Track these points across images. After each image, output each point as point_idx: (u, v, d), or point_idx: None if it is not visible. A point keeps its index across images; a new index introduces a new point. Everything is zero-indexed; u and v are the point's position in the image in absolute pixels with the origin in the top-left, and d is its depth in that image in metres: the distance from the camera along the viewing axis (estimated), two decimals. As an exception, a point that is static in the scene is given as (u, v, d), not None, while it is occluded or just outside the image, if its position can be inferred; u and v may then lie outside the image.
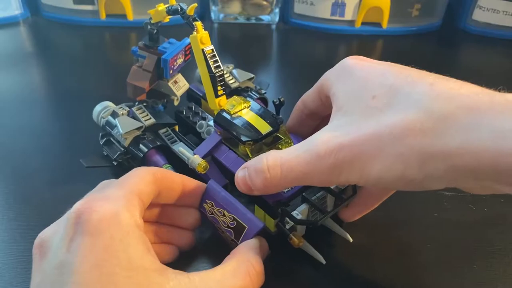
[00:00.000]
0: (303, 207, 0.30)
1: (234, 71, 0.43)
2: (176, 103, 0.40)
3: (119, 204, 0.24)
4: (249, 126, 0.32)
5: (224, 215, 0.30)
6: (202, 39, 0.32)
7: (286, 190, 0.29)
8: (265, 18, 0.72)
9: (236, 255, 0.27)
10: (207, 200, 0.31)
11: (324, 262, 0.31)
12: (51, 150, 0.43)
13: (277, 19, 0.72)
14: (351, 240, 0.33)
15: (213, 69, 0.33)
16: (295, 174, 0.26)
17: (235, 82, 0.42)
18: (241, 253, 0.27)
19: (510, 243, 0.33)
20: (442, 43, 0.69)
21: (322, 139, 0.25)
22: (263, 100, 0.42)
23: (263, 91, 0.42)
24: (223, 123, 0.32)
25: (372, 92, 0.25)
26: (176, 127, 0.40)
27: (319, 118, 0.34)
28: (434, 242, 0.33)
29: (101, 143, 0.39)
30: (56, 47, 0.65)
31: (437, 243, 0.33)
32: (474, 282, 0.30)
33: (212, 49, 0.33)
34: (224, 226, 0.30)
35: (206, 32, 0.33)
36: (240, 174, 0.28)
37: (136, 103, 0.40)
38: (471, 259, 0.32)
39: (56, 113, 0.49)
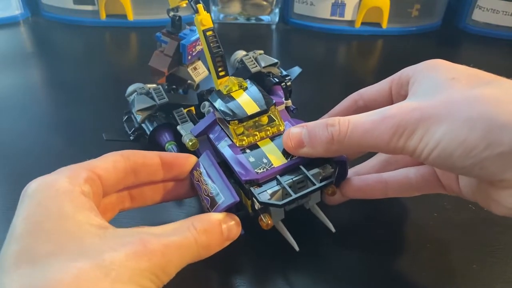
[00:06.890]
0: (276, 189, 0.29)
1: (259, 57, 0.43)
2: (194, 89, 0.43)
3: (60, 174, 0.25)
4: (237, 106, 0.32)
5: (207, 184, 0.30)
6: (202, 20, 0.33)
7: (260, 171, 0.29)
8: (265, 18, 0.72)
9: (184, 219, 0.27)
10: (197, 168, 0.31)
11: (297, 249, 0.30)
12: (51, 150, 0.43)
13: (277, 19, 0.72)
14: (333, 230, 0.32)
15: (212, 49, 0.33)
16: (359, 132, 0.26)
17: (256, 66, 0.42)
18: (189, 218, 0.27)
19: (510, 243, 0.33)
20: (441, 43, 0.69)
21: (395, 105, 0.26)
22: (283, 86, 0.41)
23: (287, 77, 0.42)
24: (213, 102, 0.33)
25: (452, 75, 0.26)
26: (193, 109, 0.41)
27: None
28: (434, 242, 0.33)
29: (123, 119, 0.42)
30: (56, 47, 0.65)
31: (437, 243, 0.33)
32: (473, 282, 0.30)
33: (213, 30, 0.33)
34: (205, 194, 0.30)
35: (208, 14, 0.33)
36: (296, 130, 0.29)
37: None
38: (471, 259, 0.32)
39: (56, 113, 0.49)
